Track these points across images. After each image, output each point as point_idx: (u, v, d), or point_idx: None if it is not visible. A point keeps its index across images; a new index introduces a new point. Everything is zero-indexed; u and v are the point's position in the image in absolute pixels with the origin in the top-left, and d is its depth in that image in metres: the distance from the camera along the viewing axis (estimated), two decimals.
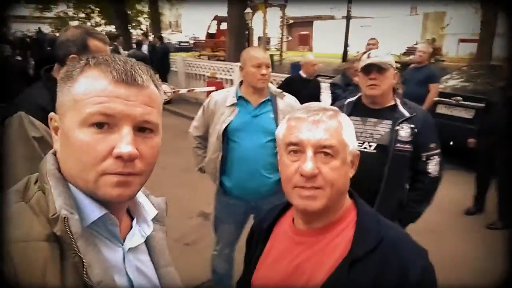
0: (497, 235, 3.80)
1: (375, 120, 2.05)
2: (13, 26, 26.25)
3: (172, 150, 5.53)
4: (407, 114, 2.02)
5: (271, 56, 12.70)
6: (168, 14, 40.59)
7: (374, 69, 1.99)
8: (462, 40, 25.16)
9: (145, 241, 0.81)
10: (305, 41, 23.93)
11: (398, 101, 2.08)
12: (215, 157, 2.24)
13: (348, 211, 0.95)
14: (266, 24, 16.05)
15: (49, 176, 0.67)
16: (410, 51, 18.55)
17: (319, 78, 4.83)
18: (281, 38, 17.70)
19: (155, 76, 0.74)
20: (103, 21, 20.14)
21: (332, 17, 32.58)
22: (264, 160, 2.19)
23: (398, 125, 2.00)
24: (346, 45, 9.29)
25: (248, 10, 10.93)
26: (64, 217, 0.62)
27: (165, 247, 0.86)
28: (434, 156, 2.04)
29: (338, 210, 0.93)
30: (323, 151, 0.87)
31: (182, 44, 28.22)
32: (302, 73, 4.49)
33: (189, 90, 9.18)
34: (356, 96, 2.20)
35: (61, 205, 0.63)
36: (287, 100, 2.30)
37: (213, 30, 20.05)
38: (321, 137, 0.87)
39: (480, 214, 4.23)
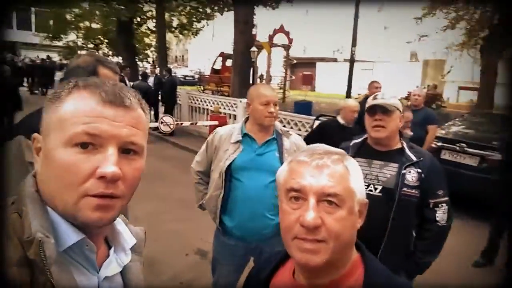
0: None
1: (381, 162, 2.01)
2: (22, 52, 26.96)
3: (173, 183, 5.45)
4: (414, 158, 1.98)
5: None
6: (174, 49, 41.74)
7: (379, 111, 1.97)
8: (462, 88, 25.70)
9: (121, 273, 0.78)
10: (308, 81, 24.58)
11: (405, 145, 2.04)
12: (216, 195, 2.17)
13: (355, 267, 0.86)
14: (270, 63, 16.45)
15: (27, 197, 0.65)
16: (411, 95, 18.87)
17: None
18: (285, 77, 18.11)
19: (143, 100, 0.74)
20: (111, 52, 20.68)
21: (335, 60, 33.49)
22: (267, 201, 2.10)
23: (405, 169, 1.95)
24: (349, 86, 9.40)
25: (254, 48, 11.22)
26: (40, 240, 0.60)
27: (141, 280, 0.83)
28: (442, 204, 1.97)
29: (343, 265, 0.84)
30: (327, 199, 0.79)
31: (187, 78, 28.80)
32: (339, 119, 4.25)
33: (192, 123, 9.19)
34: (362, 138, 2.17)
35: (37, 227, 0.61)
36: (293, 139, 2.27)
37: (218, 66, 20.58)
38: (325, 184, 0.79)
39: (491, 266, 4.02)
